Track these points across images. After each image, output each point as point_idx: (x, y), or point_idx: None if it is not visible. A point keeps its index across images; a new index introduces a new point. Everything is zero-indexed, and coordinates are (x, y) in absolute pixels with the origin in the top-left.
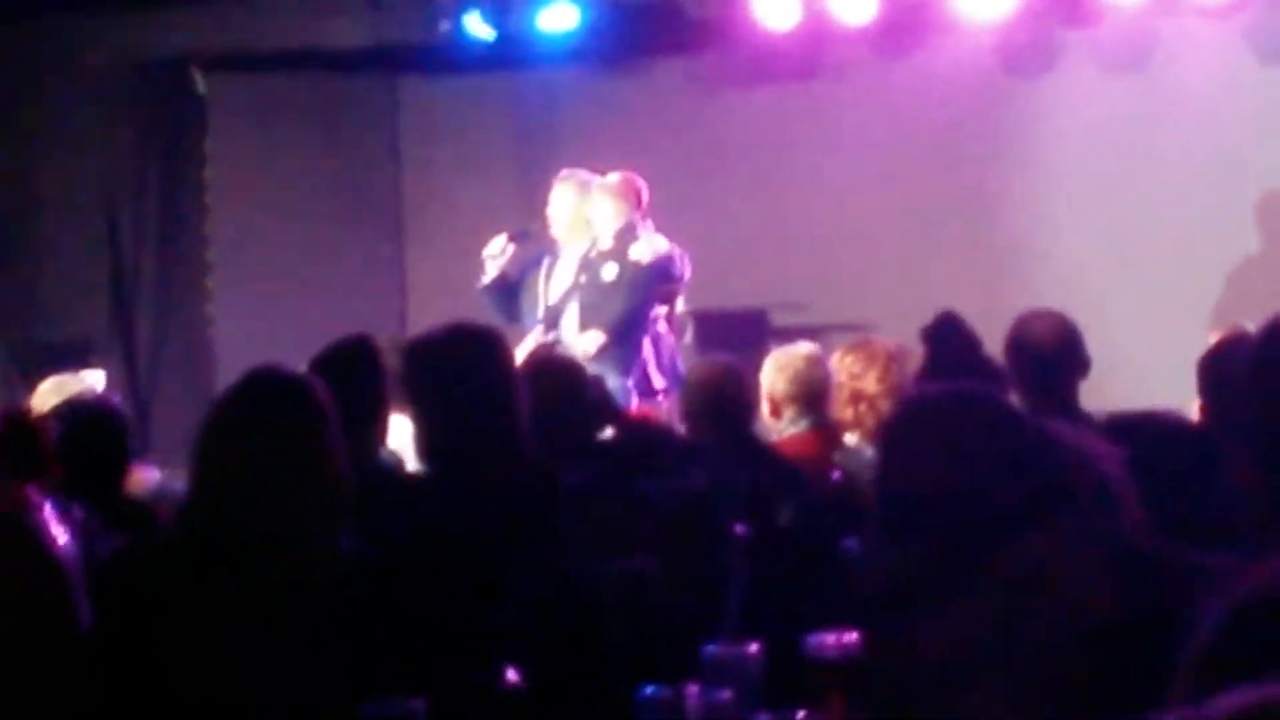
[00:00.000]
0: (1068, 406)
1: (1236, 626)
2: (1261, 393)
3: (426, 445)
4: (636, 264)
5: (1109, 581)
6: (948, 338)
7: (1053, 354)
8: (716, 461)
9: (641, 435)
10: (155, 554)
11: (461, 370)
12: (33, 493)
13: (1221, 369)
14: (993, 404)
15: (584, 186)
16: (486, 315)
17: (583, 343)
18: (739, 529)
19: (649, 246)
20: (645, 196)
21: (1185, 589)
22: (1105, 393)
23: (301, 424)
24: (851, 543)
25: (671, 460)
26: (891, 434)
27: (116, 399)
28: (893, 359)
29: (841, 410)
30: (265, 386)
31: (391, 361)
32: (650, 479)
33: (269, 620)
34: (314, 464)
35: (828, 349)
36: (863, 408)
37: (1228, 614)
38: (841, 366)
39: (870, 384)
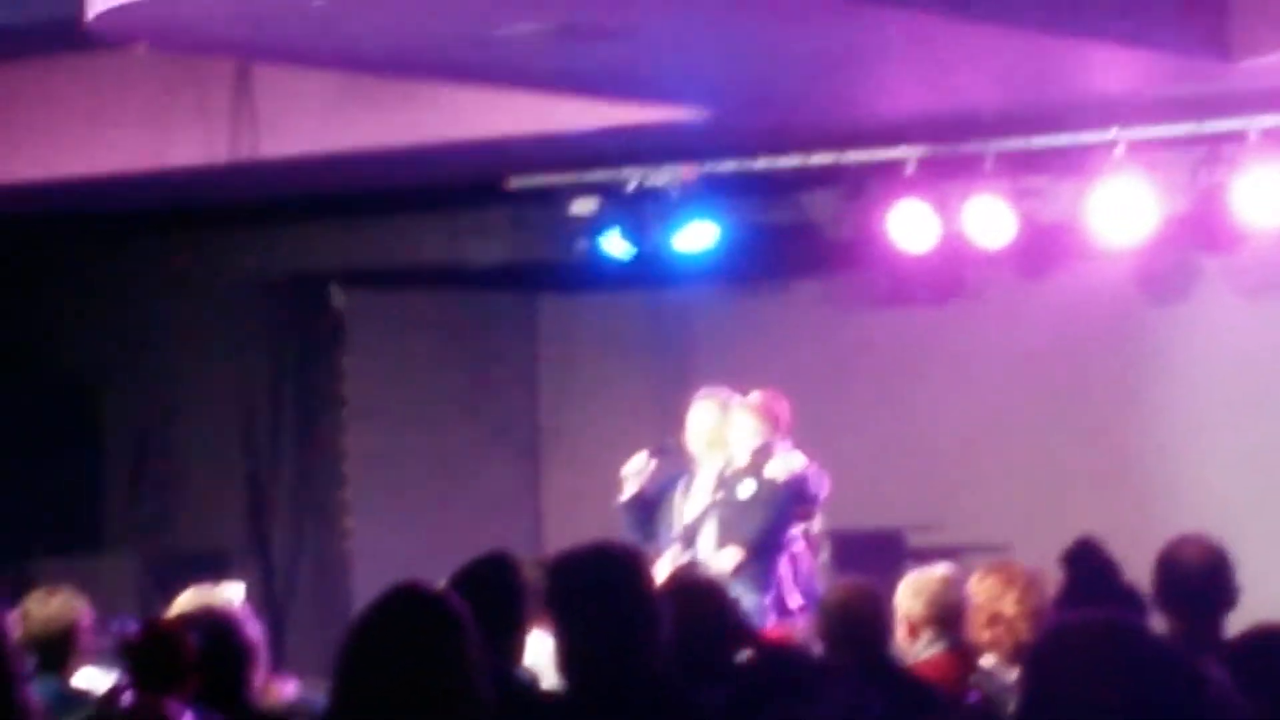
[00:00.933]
0: (1213, 637)
1: None
2: None
3: (566, 661)
4: (773, 482)
5: None
6: (1087, 562)
7: (1202, 581)
8: (853, 684)
9: (779, 658)
10: None
11: (605, 588)
12: (173, 704)
13: None
14: (1141, 635)
15: (724, 405)
16: (621, 533)
17: (720, 560)
18: None
19: (785, 465)
20: (786, 416)
21: None
22: (1247, 622)
23: (443, 641)
24: None
25: (808, 684)
26: (1037, 660)
27: (250, 611)
28: (1031, 582)
29: (979, 633)
30: (406, 603)
31: (532, 578)
32: (787, 702)
33: None
34: (455, 680)
35: (964, 570)
36: (1000, 630)
37: None
38: (980, 589)
39: (1009, 606)
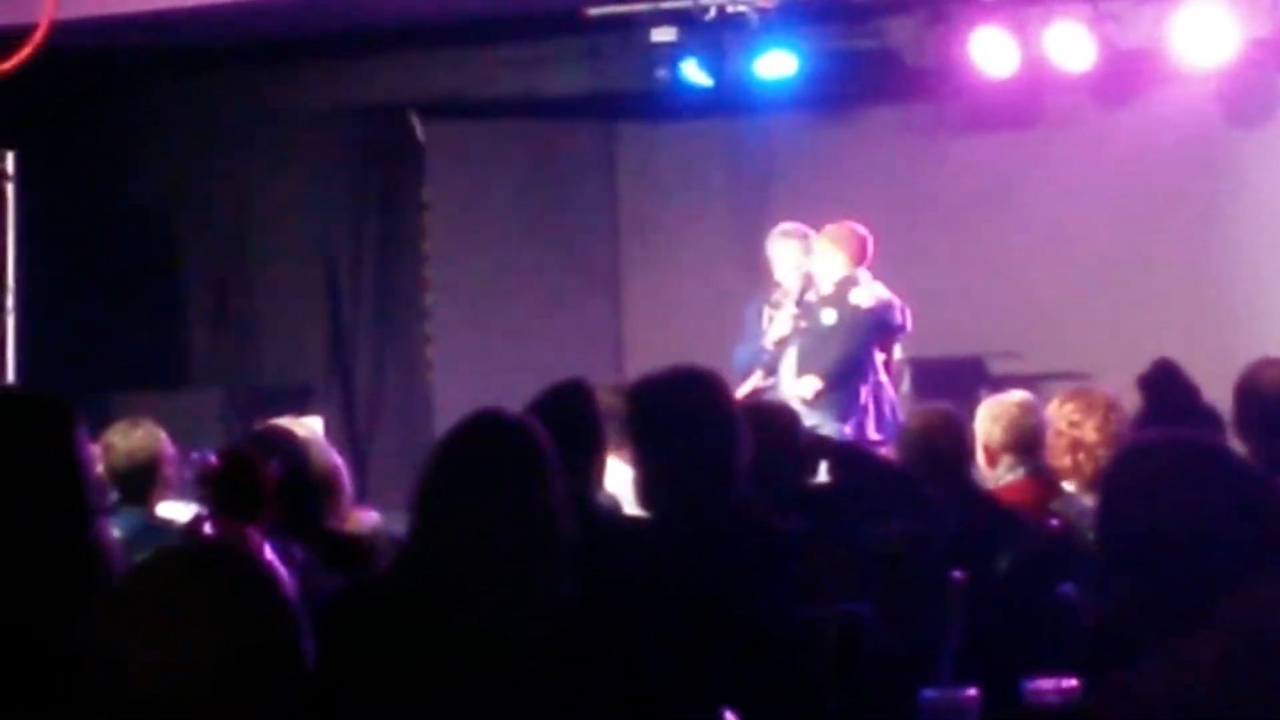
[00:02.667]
0: None
1: None
2: None
3: (647, 487)
4: (856, 309)
5: None
6: (1166, 385)
7: None
8: (935, 507)
9: (861, 479)
10: (379, 592)
11: (684, 413)
12: (253, 532)
13: None
14: (1217, 450)
15: (806, 239)
16: (702, 359)
17: (799, 388)
18: (956, 575)
19: (869, 292)
20: (870, 249)
21: None
22: None
23: (524, 466)
24: (1068, 589)
25: (889, 504)
26: (1115, 477)
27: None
28: (1111, 408)
29: (1059, 459)
30: (488, 428)
31: (610, 405)
32: (868, 524)
33: (488, 661)
34: (537, 506)
35: (1044, 397)
36: (1081, 456)
37: None
38: (1060, 415)
39: (1089, 432)
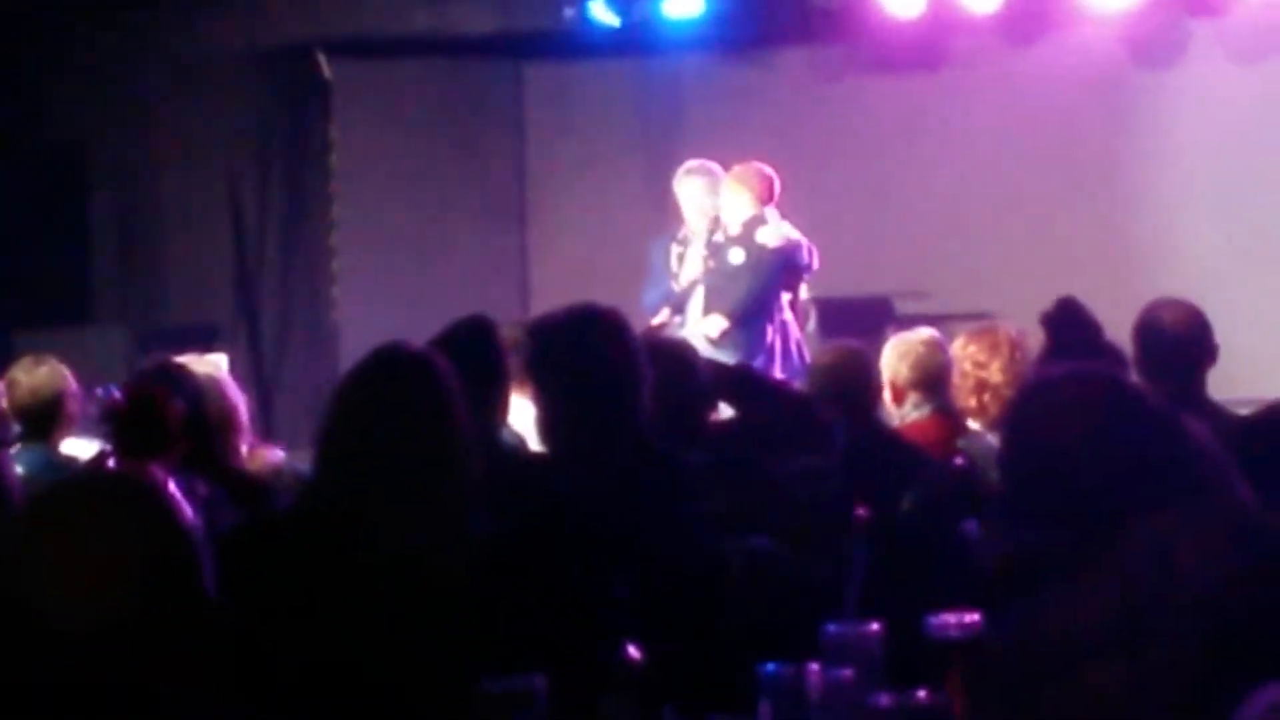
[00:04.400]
0: (1194, 395)
1: None
2: None
3: (549, 425)
4: (763, 247)
5: (1232, 564)
6: (1068, 323)
7: (1181, 341)
8: (832, 436)
9: (762, 410)
10: (281, 525)
11: (585, 350)
12: (157, 469)
13: None
14: (1120, 384)
15: (712, 176)
16: (609, 298)
17: (705, 327)
18: (861, 511)
19: (777, 232)
20: (776, 188)
21: None
22: (1230, 384)
23: (429, 399)
24: (972, 526)
25: (791, 437)
26: (1019, 411)
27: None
28: (1015, 346)
29: (965, 399)
30: (392, 362)
31: (514, 342)
32: (771, 458)
33: (393, 595)
34: (442, 439)
35: (950, 337)
36: (987, 397)
37: None
38: (964, 355)
39: (994, 373)
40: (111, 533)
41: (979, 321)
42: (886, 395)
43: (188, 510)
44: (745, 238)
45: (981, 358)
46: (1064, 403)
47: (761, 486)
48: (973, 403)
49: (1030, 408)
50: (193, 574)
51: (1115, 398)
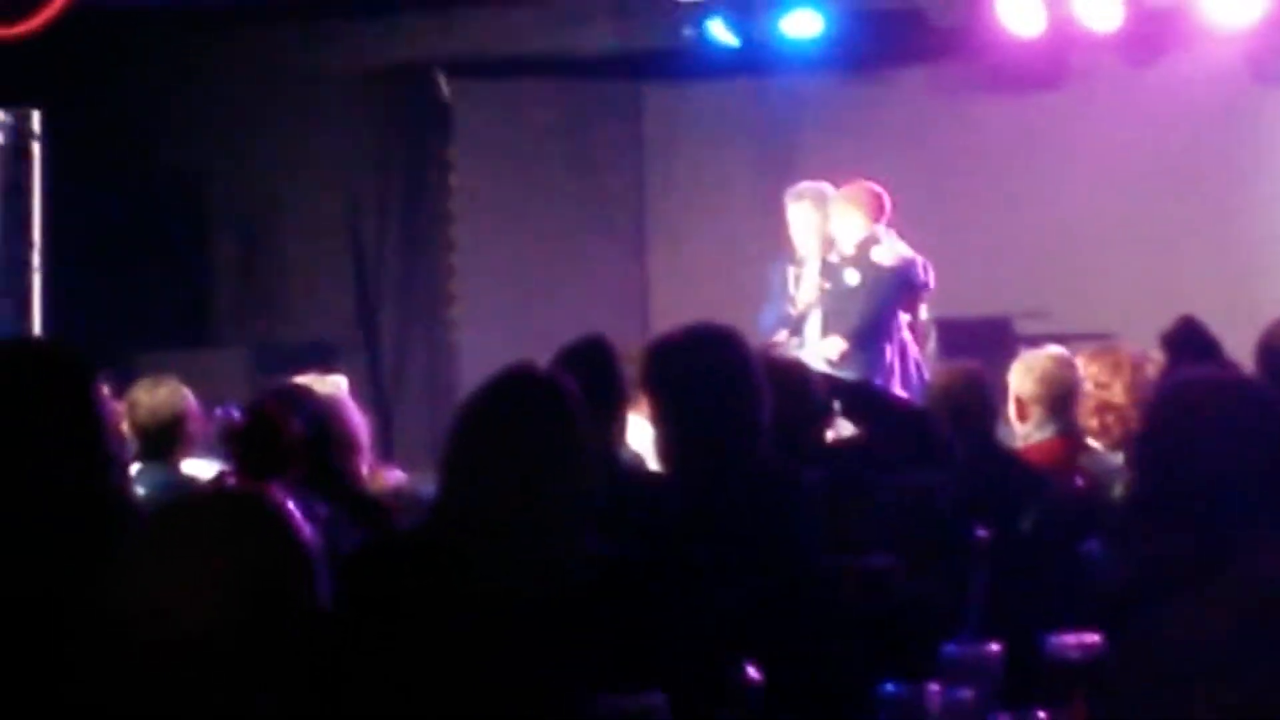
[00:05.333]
0: None
1: None
2: None
3: (668, 445)
4: (879, 267)
5: None
6: (1189, 342)
7: None
8: (959, 463)
9: (880, 427)
10: (408, 545)
11: (704, 369)
12: (277, 489)
13: None
14: (1257, 390)
15: (821, 198)
16: (727, 318)
17: (825, 349)
18: (981, 531)
19: (891, 251)
20: (887, 205)
21: None
22: None
23: (557, 421)
24: (1093, 546)
25: (910, 453)
26: (1158, 412)
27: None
28: (1137, 367)
29: (1087, 419)
30: (521, 384)
31: (629, 367)
32: (890, 476)
33: (514, 615)
34: (570, 461)
35: (1077, 354)
36: (1110, 418)
37: None
38: (1086, 374)
39: (1117, 393)
40: (232, 548)
41: (1099, 342)
42: (1011, 410)
43: (308, 529)
44: (860, 257)
45: (1104, 378)
46: (1203, 405)
47: (880, 504)
48: (1095, 423)
49: (1169, 409)
50: (310, 591)
51: (1252, 403)
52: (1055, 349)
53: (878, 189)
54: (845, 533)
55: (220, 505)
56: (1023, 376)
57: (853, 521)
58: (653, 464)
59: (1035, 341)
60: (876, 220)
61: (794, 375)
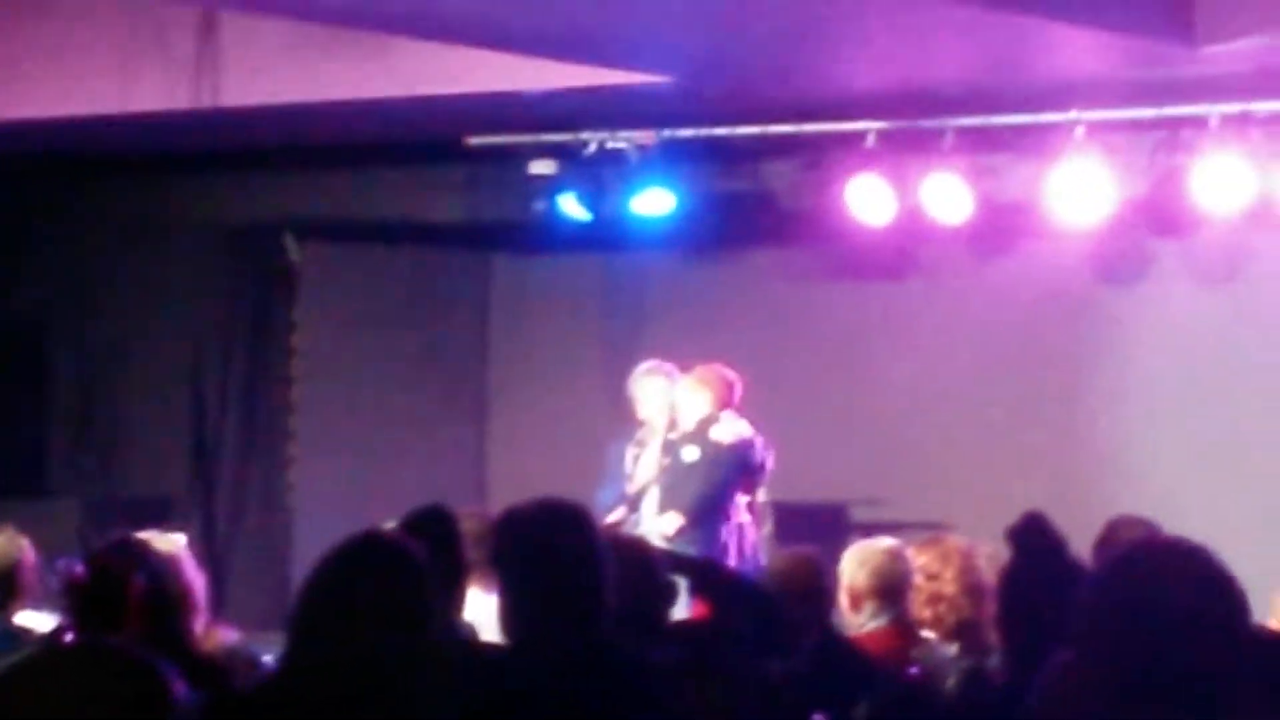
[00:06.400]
0: None
1: None
2: None
3: (511, 617)
4: (717, 445)
5: None
6: (1034, 539)
7: None
8: (803, 651)
9: (728, 609)
10: (252, 705)
11: (551, 544)
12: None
13: None
14: (1216, 560)
15: (669, 377)
16: (565, 493)
17: (660, 525)
18: (819, 718)
19: (731, 429)
20: (737, 393)
21: None
22: None
23: (406, 588)
24: None
25: (759, 637)
26: (1118, 574)
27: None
28: (966, 555)
29: (919, 610)
30: (369, 548)
31: (471, 533)
32: (741, 658)
33: None
34: (416, 626)
35: (907, 545)
36: (942, 608)
37: None
38: (916, 566)
39: (947, 584)
40: (109, 705)
41: (934, 530)
42: (843, 601)
43: (174, 680)
44: (699, 435)
45: (934, 568)
46: (1163, 568)
47: (727, 688)
48: (928, 614)
49: (1129, 571)
50: None
51: (1216, 572)
52: (887, 540)
53: (731, 375)
54: (691, 716)
55: (88, 659)
56: (855, 569)
57: (698, 705)
58: (488, 635)
59: (872, 529)
60: (724, 406)
61: (638, 554)
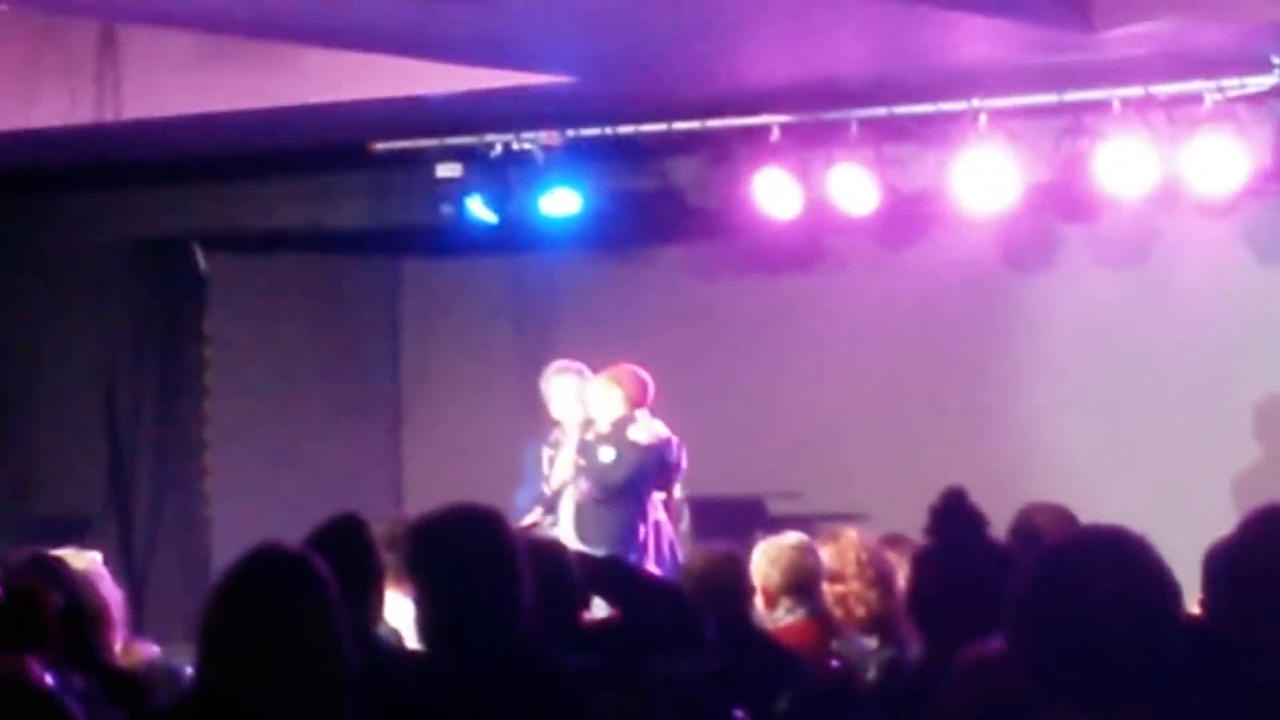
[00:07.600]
0: None
1: None
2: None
3: (428, 623)
4: (635, 444)
5: None
6: (955, 516)
7: None
8: (715, 643)
9: (640, 610)
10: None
11: (466, 550)
12: (35, 663)
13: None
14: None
15: (580, 376)
16: (482, 496)
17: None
18: (739, 713)
19: (648, 429)
20: (650, 392)
21: None
22: None
23: (307, 601)
24: None
25: (669, 637)
26: (1055, 566)
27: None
28: (862, 548)
29: (832, 607)
30: (270, 564)
31: (387, 539)
32: (652, 660)
33: None
34: (321, 639)
35: (811, 540)
36: (851, 602)
37: None
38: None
39: (851, 581)
40: None
41: (853, 522)
42: (758, 600)
43: (74, 710)
44: (616, 436)
45: (835, 567)
46: (1105, 559)
47: (641, 688)
48: (839, 612)
49: (1069, 562)
50: None
51: (1152, 562)
52: (794, 536)
53: (644, 375)
54: (606, 716)
55: None
56: (767, 567)
57: (616, 709)
58: (411, 641)
59: (788, 522)
60: (638, 405)
61: (553, 557)
